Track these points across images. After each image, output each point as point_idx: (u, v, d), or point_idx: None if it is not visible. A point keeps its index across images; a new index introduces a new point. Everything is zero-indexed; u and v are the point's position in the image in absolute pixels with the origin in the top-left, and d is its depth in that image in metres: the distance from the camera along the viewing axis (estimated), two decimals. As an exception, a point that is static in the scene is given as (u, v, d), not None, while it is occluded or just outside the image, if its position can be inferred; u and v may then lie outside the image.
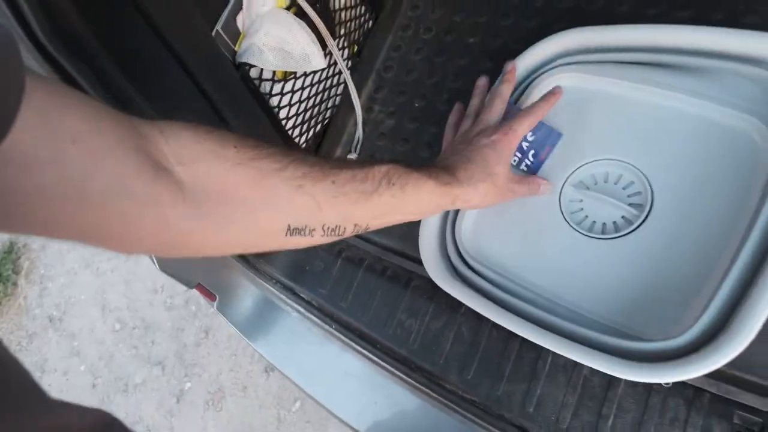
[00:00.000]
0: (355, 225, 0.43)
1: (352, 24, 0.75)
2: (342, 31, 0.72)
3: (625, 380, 0.54)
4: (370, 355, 0.66)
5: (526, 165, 0.60)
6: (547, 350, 0.57)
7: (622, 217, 0.57)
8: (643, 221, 0.56)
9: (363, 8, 0.77)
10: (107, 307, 1.96)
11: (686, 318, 0.47)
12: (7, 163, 0.25)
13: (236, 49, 0.62)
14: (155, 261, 0.67)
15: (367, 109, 0.77)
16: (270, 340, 0.75)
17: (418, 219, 0.51)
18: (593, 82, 0.60)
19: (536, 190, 0.58)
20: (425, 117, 0.73)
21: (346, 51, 0.75)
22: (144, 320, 1.85)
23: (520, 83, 0.62)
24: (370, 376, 0.67)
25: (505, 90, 0.58)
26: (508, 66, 0.61)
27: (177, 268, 0.71)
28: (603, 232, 0.57)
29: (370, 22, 0.79)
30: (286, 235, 0.39)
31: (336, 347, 0.70)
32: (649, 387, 0.53)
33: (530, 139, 0.59)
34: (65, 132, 0.27)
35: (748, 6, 0.62)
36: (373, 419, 0.66)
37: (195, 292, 1.82)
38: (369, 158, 0.76)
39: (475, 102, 0.62)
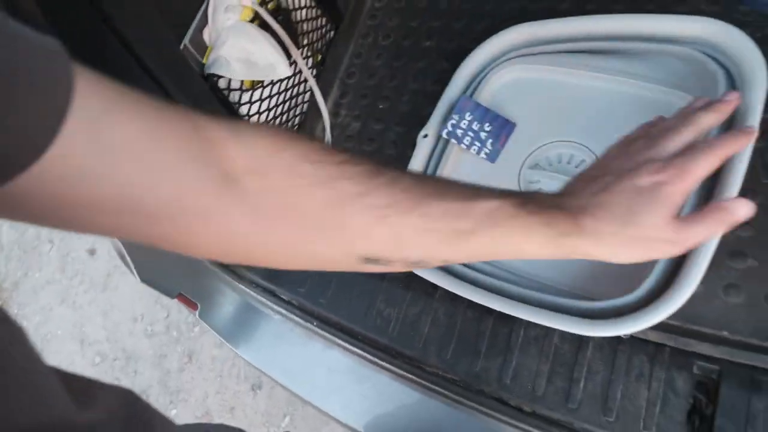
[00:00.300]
0: (443, 261, 0.38)
1: (315, 34, 0.79)
2: (305, 41, 0.76)
3: (592, 344, 0.57)
4: (353, 348, 0.68)
5: (486, 153, 0.64)
6: (519, 324, 0.60)
7: (577, 193, 0.61)
8: (596, 195, 0.60)
9: (324, 20, 0.81)
10: (86, 341, 1.92)
11: (637, 278, 0.51)
12: (59, 177, 0.24)
13: (204, 61, 0.65)
14: (135, 272, 0.69)
15: (333, 114, 0.80)
16: (254, 345, 0.76)
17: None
18: (539, 71, 0.65)
19: (728, 222, 0.38)
20: (389, 118, 0.77)
21: (311, 60, 0.79)
22: (125, 350, 1.82)
23: (474, 78, 0.66)
24: (355, 369, 0.69)
25: (706, 119, 0.41)
26: (729, 96, 0.42)
27: (157, 279, 0.72)
28: (561, 209, 0.61)
29: (332, 32, 0.83)
30: (359, 263, 0.36)
31: (319, 345, 0.72)
32: (614, 348, 0.56)
33: (487, 129, 0.63)
34: (118, 143, 0.25)
35: (677, -4, 0.68)
36: (361, 411, 0.67)
37: (175, 317, 1.80)
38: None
39: (668, 124, 0.43)
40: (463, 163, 0.66)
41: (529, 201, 0.38)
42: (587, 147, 0.61)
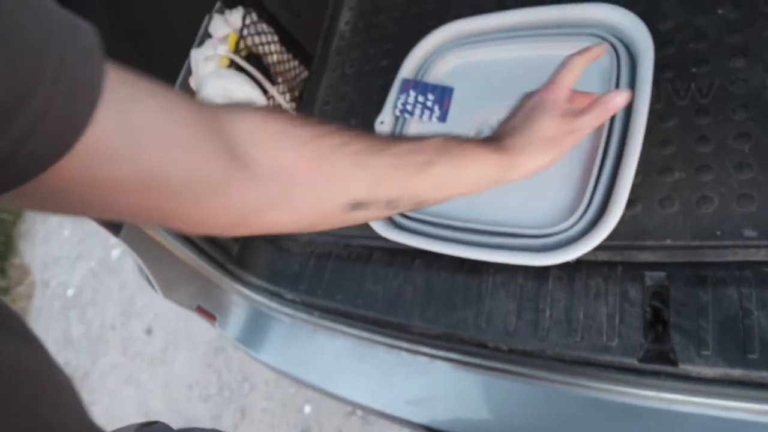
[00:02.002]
0: (415, 197, 0.44)
1: (289, 74, 0.93)
2: (280, 80, 0.90)
3: (552, 277, 0.61)
4: (350, 330, 0.74)
5: (436, 117, 0.74)
6: (487, 273, 0.66)
7: (518, 149, 0.68)
8: (534, 147, 0.67)
9: (296, 62, 0.95)
10: (149, 415, 2.02)
11: (577, 214, 0.57)
12: (88, 157, 0.25)
13: (194, 104, 0.79)
14: (158, 289, 0.79)
15: (314, 136, 0.92)
16: (269, 349, 0.84)
17: (476, 192, 0.49)
18: (473, 55, 0.75)
19: (609, 109, 0.49)
20: (361, 128, 0.87)
21: (288, 95, 0.92)
22: (185, 417, 1.90)
23: (417, 70, 0.77)
24: (355, 350, 0.74)
25: (579, 61, 0.52)
26: (597, 47, 0.54)
27: (178, 294, 0.82)
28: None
29: (306, 72, 0.97)
30: (346, 212, 0.40)
31: (324, 336, 0.78)
32: (572, 276, 0.60)
33: (431, 98, 0.73)
34: (144, 125, 0.28)
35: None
36: (364, 388, 0.72)
37: (226, 378, 1.88)
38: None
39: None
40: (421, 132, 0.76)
41: (464, 137, 0.48)
42: (521, 109, 0.69)
